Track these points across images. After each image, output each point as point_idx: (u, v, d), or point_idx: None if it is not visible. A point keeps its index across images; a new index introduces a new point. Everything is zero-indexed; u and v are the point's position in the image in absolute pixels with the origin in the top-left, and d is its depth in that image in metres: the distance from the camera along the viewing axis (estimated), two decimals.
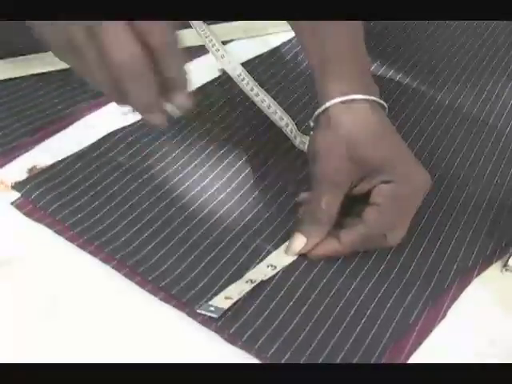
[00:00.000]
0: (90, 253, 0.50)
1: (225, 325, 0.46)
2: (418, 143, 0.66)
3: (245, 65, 0.72)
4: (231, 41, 0.78)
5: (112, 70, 0.42)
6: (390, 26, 0.85)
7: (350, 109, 0.53)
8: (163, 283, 0.49)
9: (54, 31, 0.43)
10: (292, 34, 0.80)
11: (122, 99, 0.45)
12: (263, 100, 0.64)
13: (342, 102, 0.53)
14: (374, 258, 0.53)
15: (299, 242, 0.52)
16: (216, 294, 0.48)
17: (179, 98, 0.46)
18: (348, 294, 0.50)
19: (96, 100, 0.64)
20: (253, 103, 0.67)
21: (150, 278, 0.49)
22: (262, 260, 0.51)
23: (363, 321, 0.48)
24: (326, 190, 0.52)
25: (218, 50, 0.66)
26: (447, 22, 0.87)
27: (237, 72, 0.66)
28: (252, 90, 0.65)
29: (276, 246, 0.53)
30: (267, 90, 0.66)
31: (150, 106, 0.45)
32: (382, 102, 0.55)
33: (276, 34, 0.80)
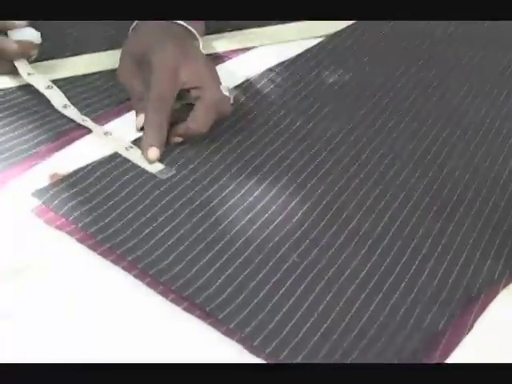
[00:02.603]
0: (112, 261, 0.49)
1: (249, 336, 0.45)
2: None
3: (267, 72, 0.72)
4: (254, 47, 0.77)
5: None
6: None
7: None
8: (187, 293, 0.47)
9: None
10: (314, 42, 0.79)
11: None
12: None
13: None
14: (398, 271, 0.51)
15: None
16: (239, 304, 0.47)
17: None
18: (373, 307, 0.48)
19: (118, 106, 0.64)
20: (278, 109, 0.66)
21: (173, 288, 0.47)
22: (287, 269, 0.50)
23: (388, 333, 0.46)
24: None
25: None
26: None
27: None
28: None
29: (302, 257, 0.51)
30: (287, 99, 0.67)
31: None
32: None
33: (296, 41, 0.79)
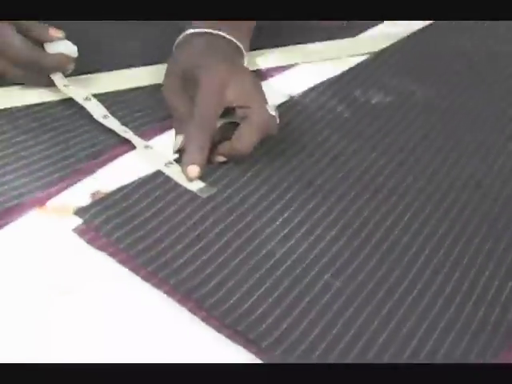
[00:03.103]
0: (154, 285, 0.48)
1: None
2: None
3: (310, 90, 0.71)
4: (297, 65, 0.76)
5: None
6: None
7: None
8: (228, 319, 0.46)
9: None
10: (358, 60, 0.77)
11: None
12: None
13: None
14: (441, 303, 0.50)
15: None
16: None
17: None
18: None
19: (161, 123, 0.63)
20: (321, 130, 0.65)
21: (216, 314, 0.46)
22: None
23: None
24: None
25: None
26: None
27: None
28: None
29: (346, 284, 0.50)
30: (330, 119, 0.66)
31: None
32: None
33: (340, 59, 0.78)
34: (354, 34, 0.83)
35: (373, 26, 0.85)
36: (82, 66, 0.66)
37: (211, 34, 0.64)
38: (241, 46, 0.65)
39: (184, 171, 0.56)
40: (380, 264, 0.52)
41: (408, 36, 0.84)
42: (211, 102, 0.58)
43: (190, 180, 0.56)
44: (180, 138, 0.59)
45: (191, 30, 0.64)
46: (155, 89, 0.66)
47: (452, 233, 0.55)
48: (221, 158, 0.59)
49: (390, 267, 0.51)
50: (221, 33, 0.64)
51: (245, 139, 0.57)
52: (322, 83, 0.73)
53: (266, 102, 0.59)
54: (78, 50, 0.64)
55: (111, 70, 0.69)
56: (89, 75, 0.68)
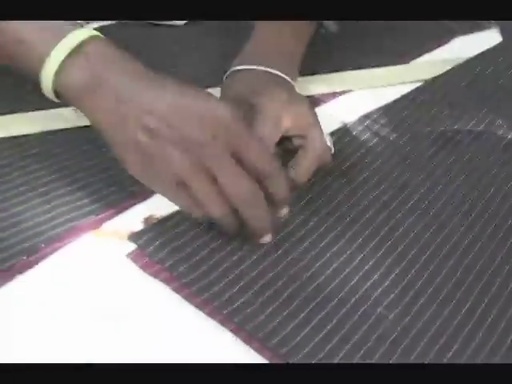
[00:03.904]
0: (208, 314, 0.47)
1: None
2: None
3: (363, 118, 0.70)
4: (350, 91, 0.75)
5: (233, 203, 0.49)
6: None
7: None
8: (283, 350, 0.45)
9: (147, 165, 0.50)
10: (412, 87, 0.77)
11: (235, 226, 0.51)
12: None
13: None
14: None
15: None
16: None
17: (284, 211, 0.53)
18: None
19: None
20: (374, 159, 0.64)
21: (269, 345, 0.46)
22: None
23: None
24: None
25: None
26: None
27: None
28: None
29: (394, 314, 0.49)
30: (383, 148, 0.65)
31: (267, 228, 0.52)
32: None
33: (393, 85, 0.77)
34: (408, 60, 0.82)
35: (427, 51, 0.84)
36: None
37: (259, 70, 0.63)
38: (288, 78, 0.64)
39: None
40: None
41: (463, 62, 0.83)
42: (268, 129, 0.57)
43: None
44: None
45: (238, 67, 0.64)
46: None
47: None
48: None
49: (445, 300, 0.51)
50: (268, 69, 0.63)
51: (301, 169, 0.57)
52: (376, 110, 0.72)
53: (322, 132, 0.58)
54: None
55: None
56: None
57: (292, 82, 0.64)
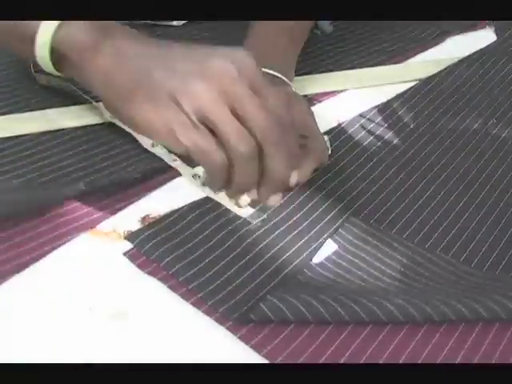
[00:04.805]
0: (204, 312, 0.48)
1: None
2: None
3: (358, 117, 0.70)
4: (345, 91, 0.75)
5: (232, 156, 0.47)
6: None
7: None
8: (286, 351, 0.46)
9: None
10: (406, 87, 0.77)
11: (223, 182, 0.49)
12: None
13: None
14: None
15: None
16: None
17: (276, 198, 0.51)
18: None
19: None
20: (369, 157, 0.65)
21: (268, 346, 0.46)
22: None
23: None
24: None
25: None
26: None
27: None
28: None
29: None
30: (378, 147, 0.65)
31: (288, 176, 0.50)
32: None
33: (388, 85, 0.78)
34: (402, 59, 0.83)
35: (422, 51, 0.85)
36: None
37: None
38: (285, 78, 0.64)
39: (236, 199, 0.55)
40: None
41: (457, 62, 0.83)
42: None
43: (241, 207, 0.55)
44: None
45: None
46: None
47: None
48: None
49: None
50: (265, 70, 0.62)
51: (302, 169, 0.56)
52: (371, 109, 0.72)
53: (321, 132, 0.59)
54: None
55: None
56: None
57: (289, 82, 0.65)
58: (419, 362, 0.46)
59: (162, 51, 0.50)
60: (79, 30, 0.51)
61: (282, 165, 0.48)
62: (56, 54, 0.52)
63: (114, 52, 0.50)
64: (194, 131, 0.47)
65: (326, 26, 0.86)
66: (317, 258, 0.53)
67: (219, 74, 0.47)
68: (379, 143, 0.67)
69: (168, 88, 0.47)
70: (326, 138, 0.60)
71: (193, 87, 0.47)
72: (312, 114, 0.60)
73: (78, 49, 0.51)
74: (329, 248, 0.54)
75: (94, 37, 0.50)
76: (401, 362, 0.46)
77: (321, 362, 0.45)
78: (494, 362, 0.46)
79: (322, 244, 0.54)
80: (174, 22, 0.84)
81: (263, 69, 0.62)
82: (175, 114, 0.47)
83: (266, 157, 0.48)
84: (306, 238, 0.55)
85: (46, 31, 0.51)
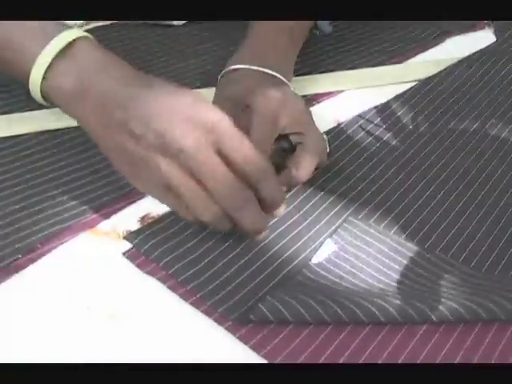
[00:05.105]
0: (204, 312, 0.48)
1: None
2: None
3: (357, 117, 0.70)
4: (344, 91, 0.75)
5: (223, 207, 0.49)
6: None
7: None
8: (286, 351, 0.46)
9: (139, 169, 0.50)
10: (405, 87, 0.77)
11: (227, 226, 0.51)
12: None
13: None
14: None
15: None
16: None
17: (278, 211, 0.52)
18: None
19: None
20: (369, 158, 0.65)
21: (268, 347, 0.46)
22: None
23: None
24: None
25: None
26: None
27: None
28: None
29: None
30: (378, 147, 0.65)
31: (259, 228, 0.51)
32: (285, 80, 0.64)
33: (387, 85, 0.78)
34: (402, 60, 0.83)
35: (421, 52, 0.85)
36: None
37: (254, 70, 0.63)
38: (284, 78, 0.64)
39: None
40: None
41: (457, 62, 0.83)
42: (265, 128, 0.56)
43: None
44: None
45: (233, 67, 0.64)
46: None
47: None
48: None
49: None
50: (264, 69, 0.63)
51: (302, 168, 0.56)
52: (370, 110, 0.72)
53: (317, 129, 0.59)
54: None
55: None
56: None
57: (287, 82, 0.65)
58: (418, 361, 0.46)
59: (140, 103, 0.50)
60: (65, 77, 0.52)
61: (250, 224, 0.50)
62: (46, 97, 0.54)
63: (98, 103, 0.51)
64: (170, 195, 0.50)
65: (326, 26, 0.86)
66: (316, 258, 0.53)
67: (182, 146, 0.48)
68: (379, 143, 0.67)
69: (142, 154, 0.49)
70: (324, 137, 0.60)
71: (156, 160, 0.48)
72: (309, 112, 0.60)
73: (64, 98, 0.53)
74: (328, 248, 0.54)
75: (77, 88, 0.52)
76: (400, 361, 0.46)
77: (320, 362, 0.45)
78: (493, 362, 0.46)
79: (321, 244, 0.54)
80: (174, 22, 0.84)
81: (263, 69, 0.63)
82: (150, 176, 0.50)
83: (233, 219, 0.50)
84: (306, 238, 0.55)
85: (36, 75, 0.53)
